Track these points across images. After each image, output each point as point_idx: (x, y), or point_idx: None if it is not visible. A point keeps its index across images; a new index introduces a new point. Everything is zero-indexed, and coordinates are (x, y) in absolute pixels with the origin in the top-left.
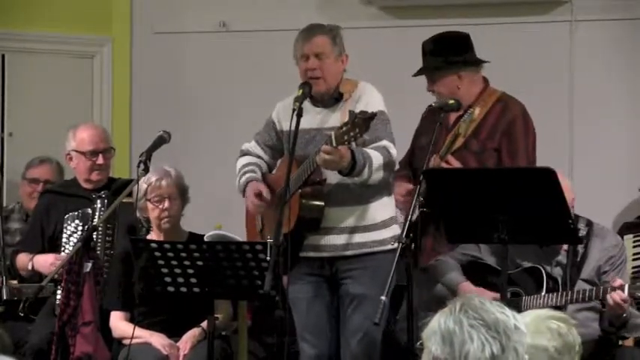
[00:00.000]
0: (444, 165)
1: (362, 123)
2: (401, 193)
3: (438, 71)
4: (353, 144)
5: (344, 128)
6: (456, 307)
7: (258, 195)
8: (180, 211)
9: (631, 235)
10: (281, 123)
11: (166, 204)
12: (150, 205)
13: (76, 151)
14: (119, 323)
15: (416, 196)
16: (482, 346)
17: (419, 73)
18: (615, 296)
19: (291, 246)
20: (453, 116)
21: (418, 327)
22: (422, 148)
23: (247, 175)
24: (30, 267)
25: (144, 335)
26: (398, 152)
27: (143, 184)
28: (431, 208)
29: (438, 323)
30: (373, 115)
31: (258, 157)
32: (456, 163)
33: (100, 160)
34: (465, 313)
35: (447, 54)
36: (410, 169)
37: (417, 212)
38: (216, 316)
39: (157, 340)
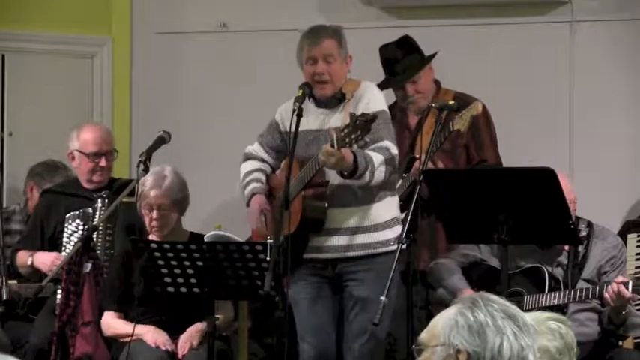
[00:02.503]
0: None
1: (363, 125)
2: None
3: (420, 68)
4: (355, 146)
5: (345, 131)
6: (479, 301)
7: (262, 212)
8: (174, 221)
9: (635, 235)
10: (285, 124)
11: (154, 214)
12: (142, 211)
13: (79, 151)
14: (111, 321)
15: (415, 198)
16: (516, 336)
17: (404, 76)
18: (615, 287)
19: (295, 247)
20: (413, 117)
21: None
22: None
23: (252, 187)
24: (29, 262)
25: (139, 332)
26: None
27: (140, 187)
28: (440, 208)
29: (461, 317)
30: (374, 118)
31: (262, 160)
32: (440, 165)
33: (103, 162)
34: (491, 307)
35: (418, 50)
36: None
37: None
38: (216, 316)
39: (152, 337)
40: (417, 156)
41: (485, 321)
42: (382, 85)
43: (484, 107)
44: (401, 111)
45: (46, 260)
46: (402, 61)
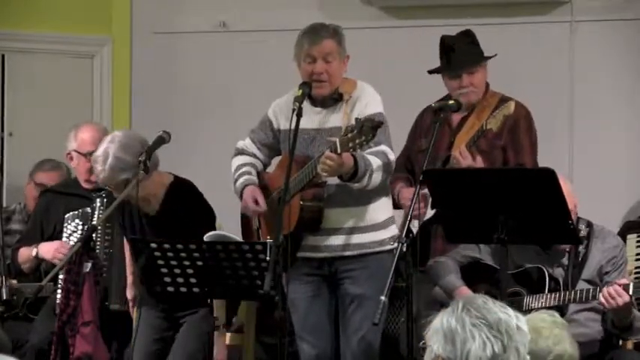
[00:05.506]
0: (461, 156)
1: (369, 130)
2: (410, 197)
3: (481, 61)
4: (358, 150)
5: (349, 135)
6: (458, 306)
7: (255, 201)
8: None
9: (635, 235)
10: (278, 121)
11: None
12: None
13: (77, 151)
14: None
15: (417, 197)
16: (484, 345)
17: (464, 63)
18: (611, 290)
19: (291, 246)
20: (456, 116)
21: (419, 328)
22: (423, 151)
23: (244, 178)
24: (34, 253)
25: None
26: (397, 152)
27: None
28: (440, 208)
29: (440, 322)
30: (380, 124)
31: (254, 155)
32: (468, 158)
33: None
34: (467, 312)
35: (479, 46)
36: (407, 172)
37: (428, 213)
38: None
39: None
40: (454, 154)
41: (455, 328)
42: (436, 71)
43: (527, 112)
44: None
45: (50, 249)
46: (461, 51)
